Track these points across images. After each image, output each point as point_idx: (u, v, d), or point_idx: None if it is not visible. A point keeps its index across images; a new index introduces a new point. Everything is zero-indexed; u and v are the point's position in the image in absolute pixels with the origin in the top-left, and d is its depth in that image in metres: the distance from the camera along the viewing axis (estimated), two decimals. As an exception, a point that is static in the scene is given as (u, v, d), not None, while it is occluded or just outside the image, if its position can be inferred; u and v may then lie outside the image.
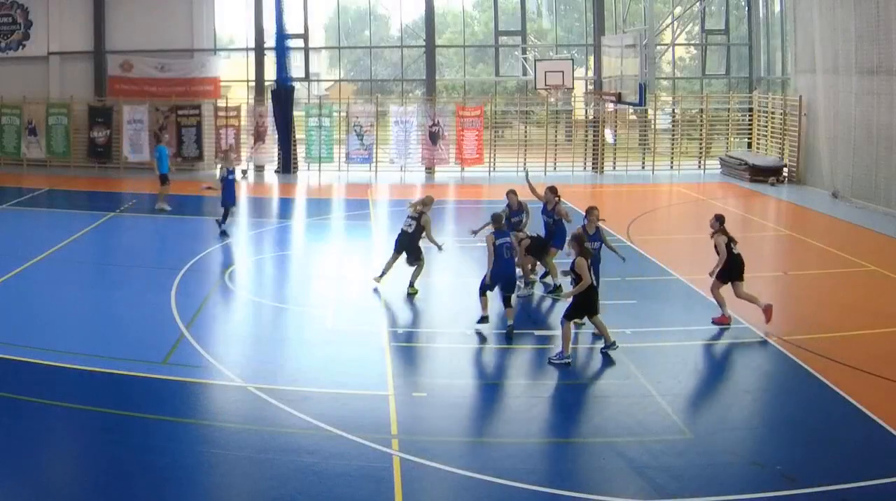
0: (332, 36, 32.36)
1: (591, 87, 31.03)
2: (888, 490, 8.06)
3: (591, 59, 31.15)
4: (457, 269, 16.52)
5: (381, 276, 14.76)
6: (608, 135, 30.28)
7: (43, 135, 29.40)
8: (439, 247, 14.60)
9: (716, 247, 12.67)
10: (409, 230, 14.47)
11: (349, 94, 31.00)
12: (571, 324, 11.45)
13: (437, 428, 9.54)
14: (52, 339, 11.86)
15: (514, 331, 12.33)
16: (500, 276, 12.41)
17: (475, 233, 15.22)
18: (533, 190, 15.67)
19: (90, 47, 29.61)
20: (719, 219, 12.76)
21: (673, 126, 30.83)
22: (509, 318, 12.46)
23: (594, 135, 30.53)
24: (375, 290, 14.61)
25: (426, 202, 14.73)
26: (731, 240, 12.65)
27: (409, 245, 14.48)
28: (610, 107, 29.53)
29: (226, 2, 30.79)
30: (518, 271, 13.46)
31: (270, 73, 29.46)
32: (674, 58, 32.76)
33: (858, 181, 23.16)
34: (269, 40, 29.46)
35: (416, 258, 14.48)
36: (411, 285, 14.50)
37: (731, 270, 12.56)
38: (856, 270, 16.29)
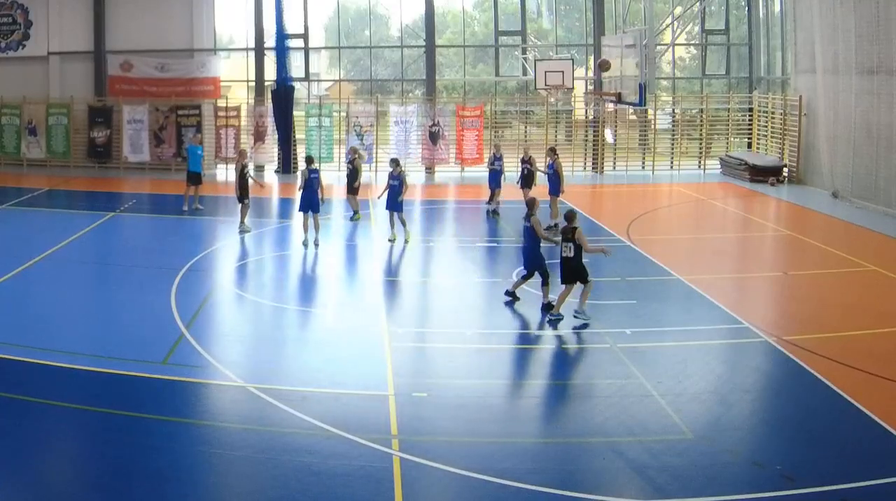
0: (331, 36, 32.34)
1: (591, 87, 30.99)
2: (888, 490, 8.05)
3: (591, 59, 31.12)
4: (456, 270, 16.52)
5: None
6: (608, 135, 30.26)
7: (43, 135, 29.40)
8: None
9: None
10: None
11: (349, 94, 31.00)
12: None
13: (437, 428, 9.53)
14: (52, 339, 11.85)
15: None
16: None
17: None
18: None
19: (90, 47, 29.60)
20: None
21: (673, 126, 30.82)
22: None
23: (594, 135, 30.52)
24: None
25: None
26: None
27: None
28: (610, 107, 29.50)
29: (226, 2, 30.76)
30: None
31: (270, 73, 29.43)
32: (674, 58, 32.74)
33: (858, 181, 23.15)
34: (269, 40, 29.45)
35: None
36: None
37: None
38: (856, 270, 16.28)
